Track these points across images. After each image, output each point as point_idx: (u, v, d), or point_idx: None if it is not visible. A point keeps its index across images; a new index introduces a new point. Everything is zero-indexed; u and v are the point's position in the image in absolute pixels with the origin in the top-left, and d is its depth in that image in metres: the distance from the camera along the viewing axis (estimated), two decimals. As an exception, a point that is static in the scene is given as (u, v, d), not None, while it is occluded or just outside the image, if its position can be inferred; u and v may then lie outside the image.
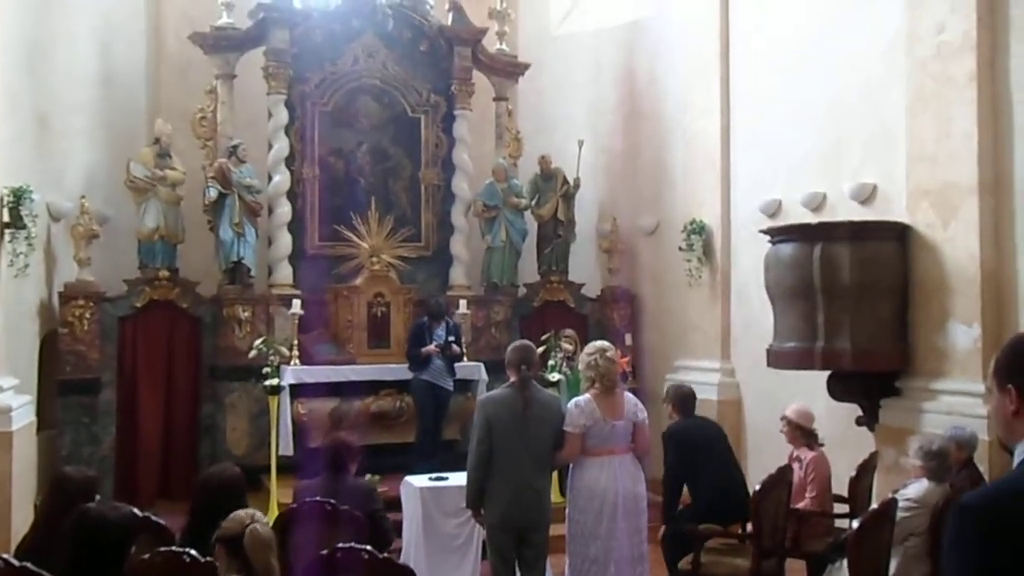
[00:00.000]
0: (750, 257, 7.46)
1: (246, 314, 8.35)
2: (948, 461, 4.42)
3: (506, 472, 4.68)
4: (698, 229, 8.29)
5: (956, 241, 5.51)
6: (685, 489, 5.42)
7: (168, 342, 8.36)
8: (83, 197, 7.82)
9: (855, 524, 4.15)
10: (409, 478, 6.39)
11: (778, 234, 6.17)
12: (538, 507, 4.77)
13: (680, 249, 8.42)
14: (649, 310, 9.60)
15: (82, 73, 8.35)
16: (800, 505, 5.48)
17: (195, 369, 8.46)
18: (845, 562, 4.04)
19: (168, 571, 3.11)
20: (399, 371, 8.17)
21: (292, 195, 8.77)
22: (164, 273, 8.22)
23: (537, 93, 10.34)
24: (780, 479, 5.13)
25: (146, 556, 3.11)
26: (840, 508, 5.60)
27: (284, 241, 8.67)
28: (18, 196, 6.49)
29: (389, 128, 9.29)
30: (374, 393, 8.32)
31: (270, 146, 8.71)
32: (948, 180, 5.55)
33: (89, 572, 2.90)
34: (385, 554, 3.39)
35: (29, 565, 2.91)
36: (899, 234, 5.85)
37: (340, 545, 3.35)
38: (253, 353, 7.49)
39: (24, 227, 6.56)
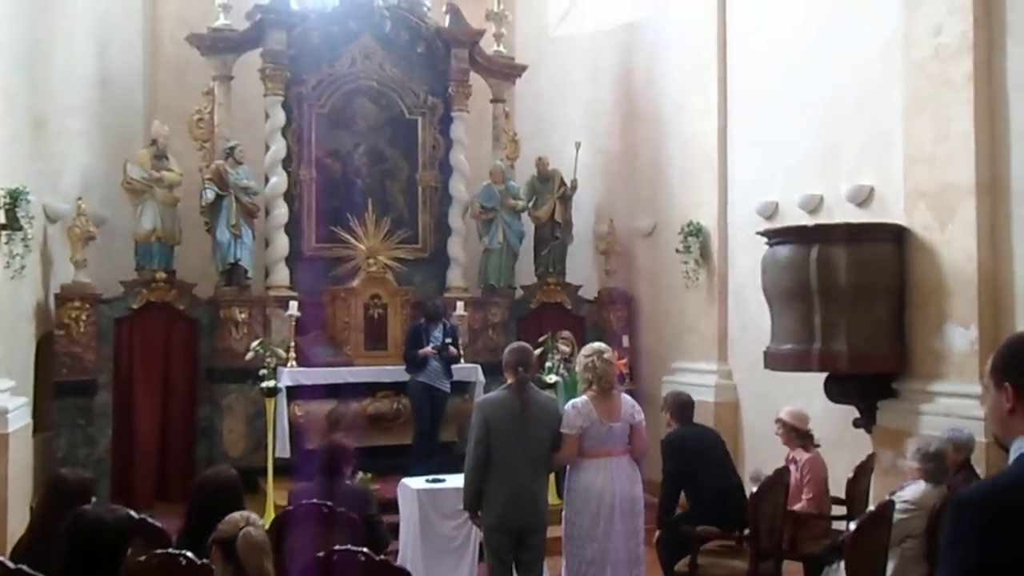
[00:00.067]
0: (747, 259, 7.45)
1: (243, 316, 8.34)
2: (945, 463, 4.42)
3: (503, 474, 4.67)
4: (695, 231, 8.29)
5: (953, 243, 5.51)
6: (682, 495, 5.42)
7: (165, 344, 8.34)
8: (80, 199, 7.81)
9: (852, 526, 4.14)
10: (406, 480, 6.38)
11: (775, 236, 6.17)
12: (535, 509, 4.76)
13: (677, 251, 8.42)
14: (646, 312, 9.60)
15: (79, 74, 8.34)
16: (797, 507, 5.48)
17: (192, 371, 8.45)
18: (842, 564, 4.03)
19: (164, 574, 3.10)
20: (396, 373, 8.17)
21: (289, 197, 8.76)
22: (161, 275, 8.20)
23: (534, 95, 10.35)
24: (777, 481, 5.14)
25: (142, 558, 3.10)
26: (837, 510, 5.60)
27: (281, 243, 8.66)
28: (14, 197, 6.48)
29: (386, 130, 9.28)
30: (371, 395, 8.32)
31: (267, 148, 8.70)
32: (945, 182, 5.56)
33: (85, 574, 2.89)
34: (382, 556, 3.38)
35: (25, 568, 2.90)
36: (896, 236, 5.85)
37: (337, 547, 3.34)
38: (250, 355, 7.48)
39: (20, 229, 6.55)
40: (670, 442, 5.41)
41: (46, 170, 7.54)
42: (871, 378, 5.92)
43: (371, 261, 8.56)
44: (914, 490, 4.34)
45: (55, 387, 7.68)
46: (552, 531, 4.94)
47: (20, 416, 6.62)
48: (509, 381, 4.84)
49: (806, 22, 7.23)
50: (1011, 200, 5.33)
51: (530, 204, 9.58)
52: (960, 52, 5.47)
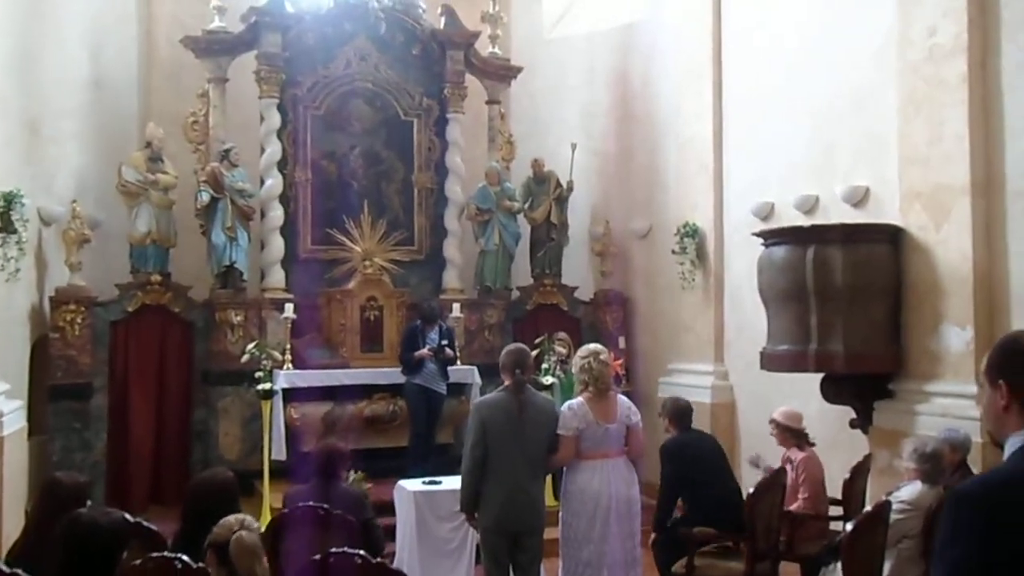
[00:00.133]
0: (743, 260, 7.46)
1: (238, 318, 8.33)
2: (942, 463, 4.42)
3: (500, 475, 4.67)
4: (691, 232, 8.30)
5: (949, 243, 5.52)
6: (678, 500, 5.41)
7: (160, 347, 8.32)
8: (74, 201, 7.79)
9: (849, 526, 4.15)
10: (403, 482, 6.37)
11: (771, 237, 6.18)
12: (532, 511, 4.76)
13: (673, 252, 8.42)
14: (642, 313, 9.60)
15: (73, 77, 8.32)
16: (793, 506, 5.49)
17: (187, 374, 8.43)
18: (839, 565, 4.03)
19: (160, 577, 3.09)
20: (392, 375, 8.15)
21: (284, 199, 8.75)
22: (156, 277, 8.19)
23: (530, 96, 10.35)
24: (774, 482, 5.14)
25: (138, 562, 3.09)
26: (834, 510, 5.61)
27: (276, 245, 8.65)
28: (9, 201, 6.47)
29: (382, 132, 9.27)
30: (367, 397, 8.30)
31: (262, 150, 8.69)
32: (940, 182, 5.57)
33: (80, 579, 2.88)
34: (378, 559, 3.37)
35: (20, 572, 2.89)
36: (892, 236, 5.86)
37: (333, 550, 3.33)
38: (246, 357, 7.47)
39: (15, 232, 6.54)
40: (668, 449, 5.39)
41: (40, 173, 7.52)
42: (867, 378, 5.93)
43: (367, 263, 8.54)
44: (911, 490, 4.34)
45: (50, 390, 7.66)
46: (549, 533, 4.93)
47: (15, 420, 6.60)
48: (506, 383, 4.83)
49: (802, 24, 7.24)
50: (1006, 200, 5.34)
51: (526, 206, 9.58)
52: (954, 53, 5.48)
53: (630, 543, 4.79)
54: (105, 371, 8.03)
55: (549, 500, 5.39)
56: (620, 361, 7.87)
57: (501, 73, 9.73)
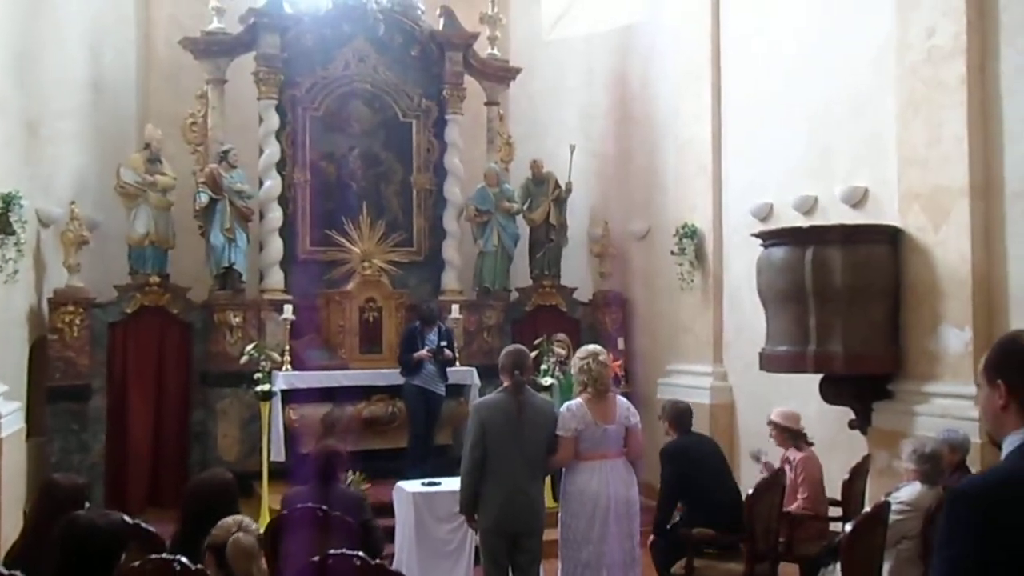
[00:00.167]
0: (742, 261, 7.46)
1: (237, 320, 8.32)
2: (941, 464, 4.42)
3: (500, 476, 4.66)
4: (690, 233, 8.30)
5: (947, 244, 5.52)
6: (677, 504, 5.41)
7: (159, 348, 8.31)
8: (73, 203, 7.78)
9: (848, 527, 4.14)
10: (401, 483, 6.37)
11: (770, 238, 6.18)
12: (531, 511, 4.76)
13: (672, 253, 8.42)
14: (641, 314, 9.60)
15: (71, 78, 8.31)
16: (793, 507, 5.49)
17: (186, 375, 8.43)
18: (838, 565, 4.03)
19: (158, 579, 3.08)
20: (391, 376, 8.15)
21: (283, 200, 8.75)
22: (155, 279, 8.18)
23: (529, 98, 10.35)
24: (773, 482, 5.14)
25: (136, 564, 3.08)
26: (833, 511, 5.62)
27: (275, 246, 8.64)
28: (7, 202, 6.46)
29: (380, 133, 9.27)
30: (366, 398, 8.30)
31: (261, 151, 8.68)
32: (939, 184, 5.57)
33: (78, 580, 2.87)
34: (377, 560, 3.37)
35: (18, 573, 2.89)
36: (891, 237, 5.86)
37: (332, 551, 3.33)
38: (244, 359, 7.47)
39: (13, 233, 6.53)
40: (668, 452, 5.37)
41: (39, 174, 7.51)
42: (866, 379, 5.93)
43: (366, 264, 8.54)
44: (910, 491, 4.34)
45: (48, 392, 7.65)
46: (548, 534, 4.93)
47: (13, 421, 6.59)
48: (505, 384, 4.83)
49: (801, 26, 7.24)
50: (1004, 202, 5.35)
51: (525, 207, 9.58)
52: (953, 55, 5.48)
53: (629, 544, 4.79)
54: (103, 372, 8.02)
55: (548, 501, 5.38)
56: (619, 362, 7.87)
57: (500, 74, 9.74)
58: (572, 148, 9.51)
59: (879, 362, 5.85)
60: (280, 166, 8.74)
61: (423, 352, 7.94)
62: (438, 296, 9.05)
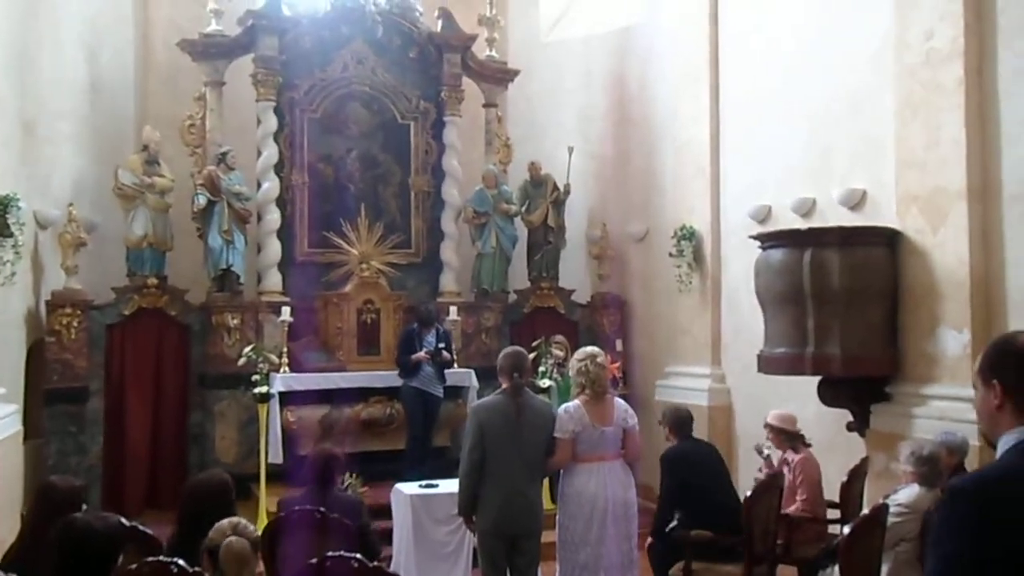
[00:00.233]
0: (740, 263, 7.46)
1: (235, 321, 8.31)
2: (939, 466, 4.42)
3: (498, 478, 4.66)
4: (688, 235, 8.30)
5: (945, 246, 5.52)
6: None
7: (156, 350, 8.31)
8: (71, 205, 7.77)
9: (846, 530, 4.14)
10: (399, 485, 6.37)
11: (768, 240, 6.17)
12: (530, 513, 4.75)
13: (670, 255, 8.42)
14: (639, 316, 9.60)
15: (69, 79, 8.31)
16: (791, 508, 5.49)
17: (184, 377, 8.42)
18: (836, 568, 4.03)
19: (155, 581, 3.08)
20: (389, 378, 8.15)
21: (281, 202, 8.74)
22: (152, 281, 8.17)
23: (527, 99, 10.36)
24: (771, 484, 5.13)
25: (133, 566, 3.08)
26: (831, 513, 5.61)
27: (273, 248, 8.64)
28: (4, 204, 6.45)
29: (379, 135, 9.28)
30: (364, 400, 8.30)
31: (259, 153, 8.68)
32: (937, 186, 5.57)
33: (75, 583, 2.86)
34: (375, 563, 3.36)
35: (15, 576, 2.89)
36: (889, 240, 5.86)
37: (330, 554, 3.32)
38: (242, 361, 7.47)
39: (11, 235, 6.51)
40: (669, 458, 5.35)
41: (36, 176, 7.50)
42: (864, 381, 5.92)
43: (364, 266, 8.54)
44: (908, 493, 4.34)
45: (46, 394, 7.64)
46: (546, 536, 4.93)
47: (10, 423, 6.58)
48: (504, 386, 4.83)
49: (799, 27, 7.24)
50: (1002, 204, 5.34)
51: (523, 208, 9.58)
52: (951, 57, 5.49)
53: (627, 545, 4.79)
54: (101, 375, 8.01)
55: (547, 503, 5.38)
56: (617, 364, 7.83)
57: (498, 76, 9.74)
58: (570, 150, 9.51)
59: (877, 364, 5.85)
60: (278, 168, 8.74)
61: (421, 354, 7.93)
62: (436, 298, 9.05)
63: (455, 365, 8.37)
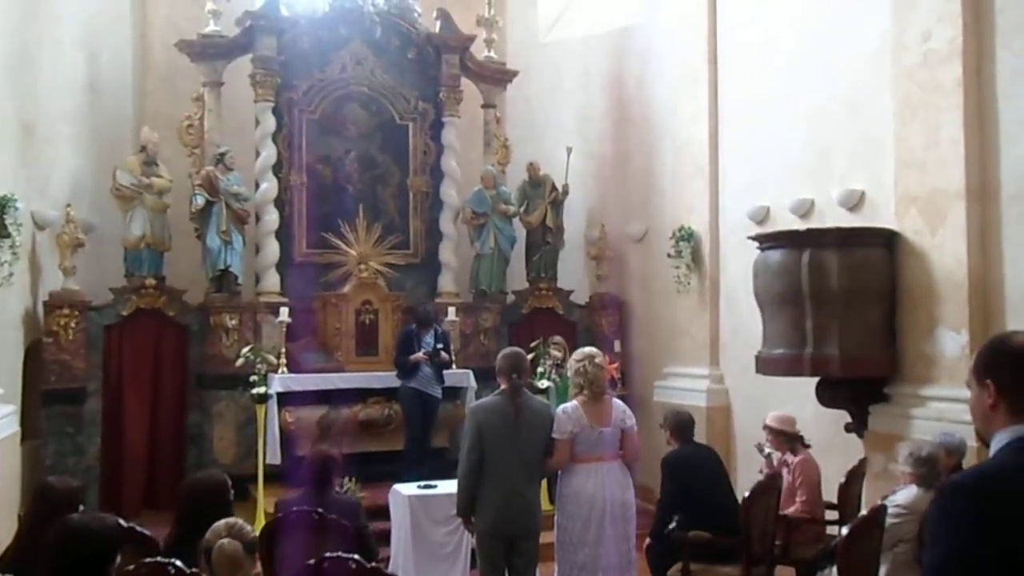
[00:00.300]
0: (739, 263, 7.46)
1: (233, 322, 8.30)
2: (937, 467, 4.42)
3: (497, 479, 4.66)
4: (687, 236, 8.30)
5: (944, 247, 5.52)
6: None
7: (154, 351, 8.30)
8: (68, 205, 7.76)
9: (845, 531, 4.14)
10: (398, 486, 6.36)
11: (766, 240, 6.17)
12: (528, 514, 4.75)
13: (669, 256, 8.42)
14: (638, 317, 9.59)
15: (68, 80, 8.29)
16: (791, 510, 5.49)
17: (182, 378, 8.41)
18: (834, 569, 4.03)
19: (153, 582, 3.07)
20: (387, 379, 8.14)
21: (280, 202, 8.74)
22: (150, 281, 8.16)
23: (525, 100, 10.36)
24: (769, 485, 5.13)
25: (131, 567, 3.07)
26: (830, 514, 5.61)
27: (271, 249, 8.63)
28: (2, 205, 6.44)
29: (377, 135, 9.27)
30: (362, 401, 8.30)
31: (257, 153, 8.68)
32: (936, 187, 5.57)
33: (71, 583, 2.86)
34: (373, 564, 3.36)
35: (11, 577, 2.88)
36: (887, 240, 5.86)
37: (328, 554, 3.32)
38: (240, 361, 7.46)
39: (8, 236, 6.50)
40: (669, 462, 5.34)
41: (34, 177, 7.50)
42: (863, 382, 5.92)
43: (362, 267, 8.54)
44: (906, 494, 4.34)
45: (43, 395, 7.63)
46: (545, 536, 4.93)
47: (8, 424, 6.57)
48: (502, 387, 4.82)
49: (797, 28, 7.25)
50: (1001, 205, 5.34)
51: (521, 209, 9.58)
52: (949, 58, 5.48)
53: (625, 546, 4.79)
54: (99, 375, 8.00)
55: (545, 504, 5.38)
56: (615, 365, 7.85)
57: (496, 77, 9.74)
58: (569, 150, 9.51)
59: (875, 365, 5.85)
60: (276, 169, 8.74)
61: (419, 354, 7.93)
62: (434, 298, 9.04)
63: (453, 366, 8.37)
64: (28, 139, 7.38)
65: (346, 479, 6.26)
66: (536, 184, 9.66)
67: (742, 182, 7.91)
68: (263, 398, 7.30)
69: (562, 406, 4.94)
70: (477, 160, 9.70)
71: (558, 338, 8.34)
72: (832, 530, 5.44)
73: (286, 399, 7.86)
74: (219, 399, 8.22)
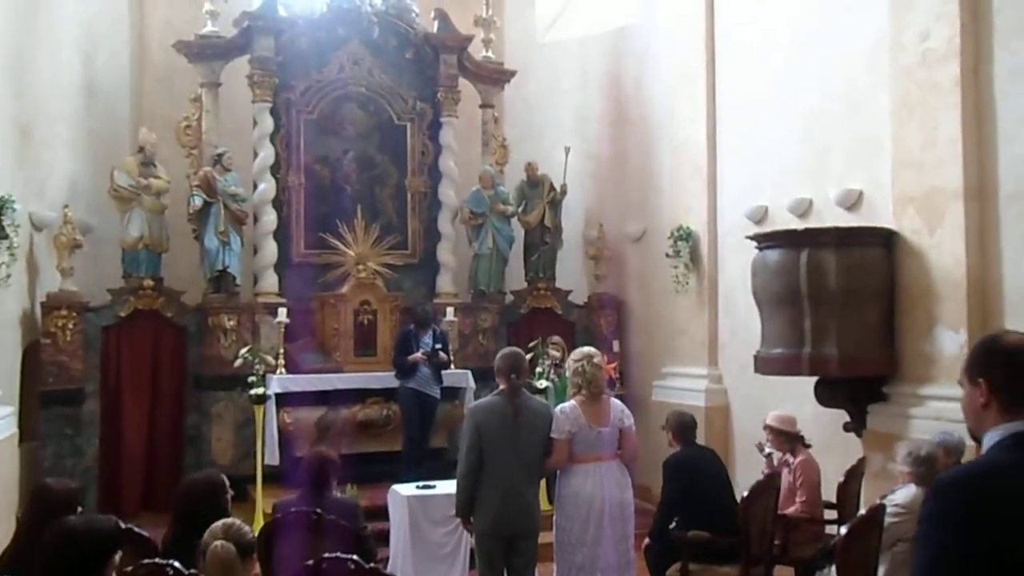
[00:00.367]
0: (737, 263, 7.46)
1: (231, 323, 8.30)
2: (936, 467, 4.41)
3: (496, 479, 4.66)
4: (685, 235, 8.30)
5: (942, 247, 5.52)
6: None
7: (153, 352, 8.29)
8: (66, 207, 7.75)
9: (843, 530, 4.14)
10: (396, 487, 6.36)
11: (765, 240, 6.17)
12: (528, 514, 4.75)
13: (667, 255, 8.42)
14: (636, 316, 9.60)
15: (65, 82, 8.29)
16: (790, 510, 5.49)
17: (180, 379, 8.40)
18: (833, 568, 4.03)
19: (151, 583, 3.07)
20: (386, 379, 8.14)
21: (278, 203, 8.73)
22: (148, 282, 8.16)
23: (523, 100, 10.35)
24: (768, 485, 5.13)
25: (129, 569, 3.06)
26: (828, 514, 5.61)
27: (270, 249, 8.63)
28: (0, 206, 6.43)
29: (375, 136, 9.27)
30: (361, 401, 8.29)
31: (255, 154, 8.68)
32: (934, 186, 5.57)
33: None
34: (371, 564, 3.35)
35: (9, 579, 2.87)
36: (885, 240, 5.85)
37: (326, 555, 3.31)
38: (239, 362, 7.46)
39: (6, 237, 6.50)
40: (671, 464, 5.33)
41: (32, 178, 7.49)
42: (861, 382, 5.92)
43: (360, 267, 8.53)
44: (905, 494, 4.34)
45: (41, 396, 7.62)
46: (544, 537, 4.93)
47: (6, 426, 6.57)
48: (501, 387, 4.82)
49: (795, 28, 7.25)
50: (999, 204, 5.34)
51: (520, 209, 9.58)
52: (947, 57, 5.48)
53: (623, 546, 4.79)
54: (97, 376, 7.99)
55: (544, 504, 5.37)
56: (614, 365, 7.86)
57: (494, 77, 9.74)
58: (567, 150, 9.51)
59: (874, 365, 5.84)
60: (274, 169, 8.73)
61: (418, 355, 7.93)
62: (433, 299, 9.04)
63: (452, 366, 8.36)
64: (25, 140, 7.37)
65: (348, 487, 6.24)
66: (534, 184, 9.66)
67: (740, 182, 7.91)
68: (261, 399, 7.29)
69: (560, 406, 4.94)
70: (475, 160, 9.70)
71: (556, 338, 8.33)
72: (831, 529, 5.44)
73: (284, 400, 7.85)
74: (217, 400, 8.22)
